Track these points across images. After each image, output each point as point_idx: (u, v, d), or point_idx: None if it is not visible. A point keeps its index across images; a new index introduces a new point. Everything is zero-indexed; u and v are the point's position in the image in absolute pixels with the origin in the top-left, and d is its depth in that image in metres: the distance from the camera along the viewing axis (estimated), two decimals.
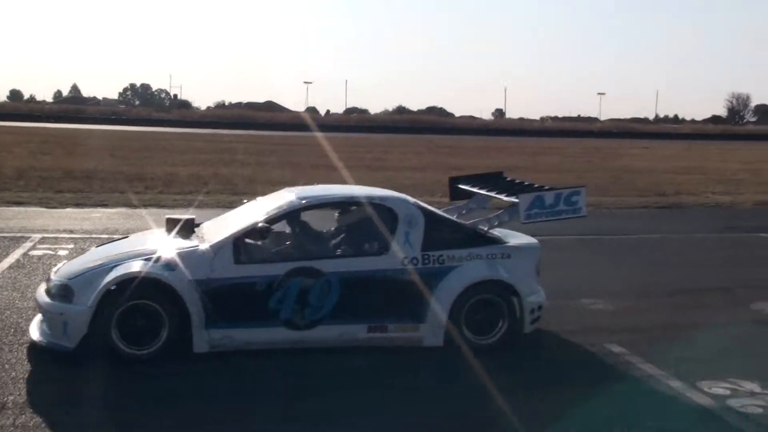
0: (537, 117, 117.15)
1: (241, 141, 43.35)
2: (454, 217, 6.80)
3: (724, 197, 18.08)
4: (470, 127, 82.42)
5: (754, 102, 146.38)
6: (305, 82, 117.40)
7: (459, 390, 5.29)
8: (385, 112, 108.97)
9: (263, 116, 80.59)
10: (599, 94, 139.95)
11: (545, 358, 6.08)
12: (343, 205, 6.66)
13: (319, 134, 41.38)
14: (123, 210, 13.58)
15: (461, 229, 6.42)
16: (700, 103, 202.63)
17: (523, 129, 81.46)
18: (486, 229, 6.51)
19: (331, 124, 68.60)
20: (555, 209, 6.40)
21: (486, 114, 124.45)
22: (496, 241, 6.41)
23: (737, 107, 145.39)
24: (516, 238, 6.67)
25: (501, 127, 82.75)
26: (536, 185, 6.99)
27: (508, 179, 7.60)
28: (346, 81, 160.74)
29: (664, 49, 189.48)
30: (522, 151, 39.46)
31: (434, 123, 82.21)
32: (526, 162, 29.89)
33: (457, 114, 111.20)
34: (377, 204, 6.26)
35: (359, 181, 16.60)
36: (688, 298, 8.21)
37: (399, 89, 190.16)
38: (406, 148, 38.84)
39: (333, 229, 6.68)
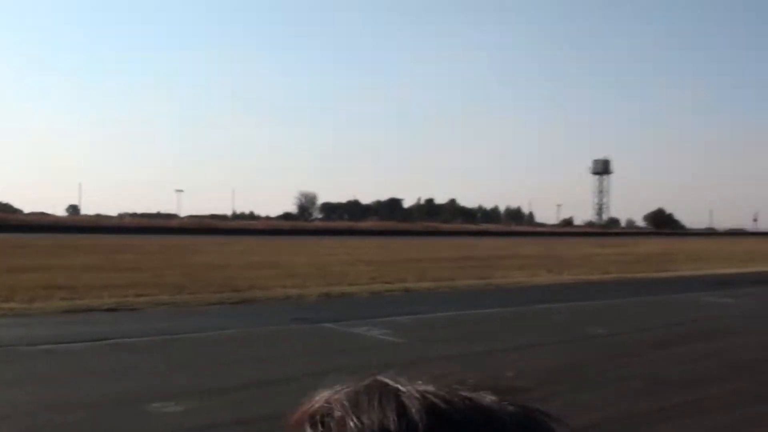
0: (115, 213, 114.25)
1: None
2: None
3: (293, 290, 19.19)
4: (41, 223, 77.31)
5: (321, 200, 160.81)
6: None
7: None
8: None
9: None
10: (178, 191, 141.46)
11: None
12: None
13: None
14: None
15: None
16: (274, 200, 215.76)
17: (100, 226, 78.88)
18: None
19: None
20: None
21: (59, 210, 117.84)
22: None
23: (306, 204, 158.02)
24: None
25: (76, 224, 79.07)
26: None
27: None
28: None
29: (240, 148, 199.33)
30: (98, 249, 37.97)
31: None
32: (102, 261, 28.76)
33: (26, 210, 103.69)
34: None
35: None
36: (257, 391, 8.41)
37: None
38: None
39: None
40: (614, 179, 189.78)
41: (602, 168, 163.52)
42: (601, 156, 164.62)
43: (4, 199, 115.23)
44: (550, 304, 17.55)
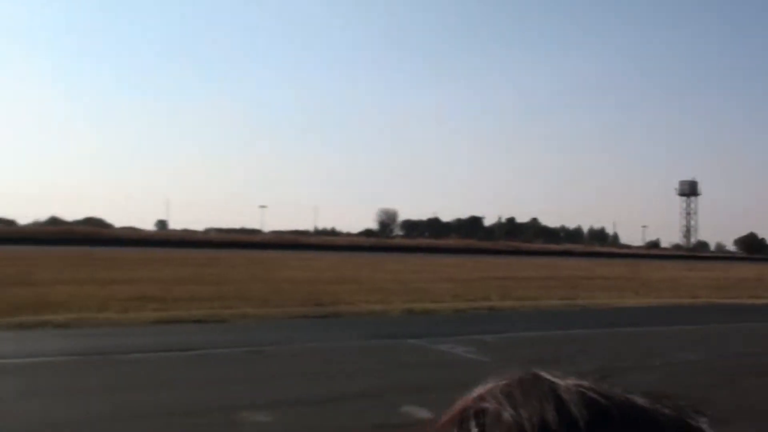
0: (201, 228, 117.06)
1: None
2: None
3: (376, 306, 19.27)
4: (132, 238, 79.93)
5: (402, 217, 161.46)
6: None
7: None
8: (36, 224, 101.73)
9: None
10: (261, 206, 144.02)
11: None
12: None
13: None
14: None
15: None
16: (355, 217, 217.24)
17: (187, 240, 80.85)
18: None
19: None
20: None
21: (148, 225, 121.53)
22: None
23: (387, 221, 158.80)
24: None
25: (164, 239, 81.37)
26: None
27: None
28: None
29: (323, 165, 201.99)
30: (186, 262, 38.97)
31: (92, 234, 78.41)
32: (189, 274, 29.49)
33: (117, 225, 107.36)
34: None
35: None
36: (343, 404, 8.45)
37: (52, 198, 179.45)
38: (60, 262, 36.31)
39: None
40: (702, 201, 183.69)
41: (689, 189, 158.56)
42: (688, 177, 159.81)
43: (98, 214, 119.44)
44: (637, 327, 17.10)
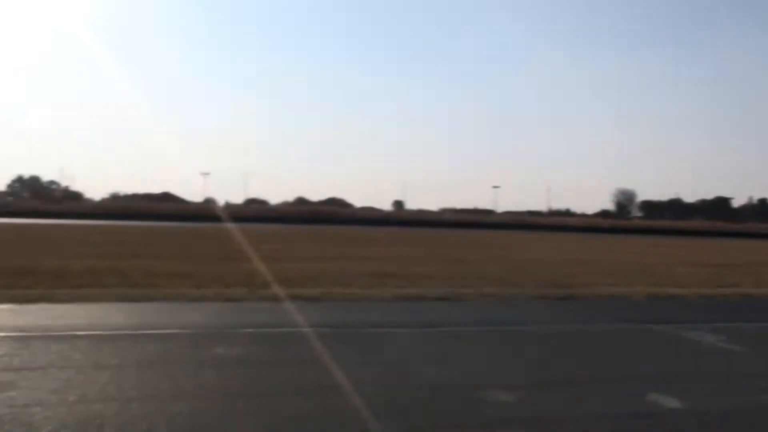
0: (436, 208, 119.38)
1: (136, 232, 42.32)
2: None
3: (617, 289, 18.69)
4: (371, 217, 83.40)
5: (640, 198, 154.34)
6: (202, 173, 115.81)
7: None
8: (285, 203, 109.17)
9: (159, 207, 79.32)
10: (494, 187, 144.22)
11: None
12: None
13: (218, 225, 40.88)
14: (9, 306, 12.88)
15: None
16: (590, 197, 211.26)
17: (422, 220, 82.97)
18: None
19: (230, 215, 67.90)
20: None
21: (385, 205, 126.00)
22: None
23: (624, 202, 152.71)
24: None
25: (401, 219, 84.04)
26: None
27: None
28: (245, 172, 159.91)
29: (557, 145, 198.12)
30: (422, 241, 40.09)
31: (335, 214, 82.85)
32: (426, 252, 30.28)
33: (357, 205, 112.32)
34: None
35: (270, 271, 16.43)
36: (588, 387, 8.33)
37: (299, 180, 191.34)
38: (306, 239, 38.75)
39: None
40: None
41: None
42: None
43: (340, 195, 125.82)
44: None
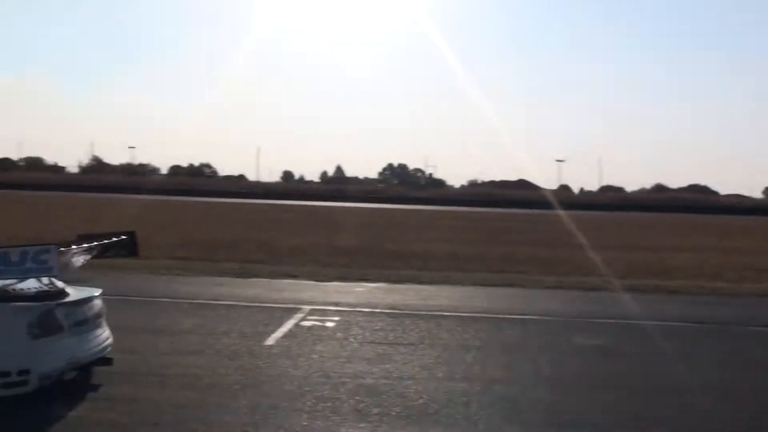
0: None
1: (493, 219, 43.79)
2: None
3: None
4: (738, 206, 76.97)
5: None
6: (557, 160, 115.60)
7: None
8: (642, 190, 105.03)
9: (513, 194, 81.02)
10: None
11: None
12: None
13: (570, 212, 40.77)
14: (383, 285, 14.08)
15: None
16: None
17: None
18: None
19: (585, 202, 67.29)
20: (23, 267, 5.82)
21: (756, 192, 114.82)
22: None
23: None
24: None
25: None
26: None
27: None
28: (600, 158, 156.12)
29: None
30: None
31: (697, 202, 77.80)
32: None
33: (723, 192, 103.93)
34: None
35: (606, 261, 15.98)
36: None
37: (657, 165, 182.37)
38: (667, 228, 36.99)
39: None
40: None
41: None
42: None
43: (702, 182, 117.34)
44: None
